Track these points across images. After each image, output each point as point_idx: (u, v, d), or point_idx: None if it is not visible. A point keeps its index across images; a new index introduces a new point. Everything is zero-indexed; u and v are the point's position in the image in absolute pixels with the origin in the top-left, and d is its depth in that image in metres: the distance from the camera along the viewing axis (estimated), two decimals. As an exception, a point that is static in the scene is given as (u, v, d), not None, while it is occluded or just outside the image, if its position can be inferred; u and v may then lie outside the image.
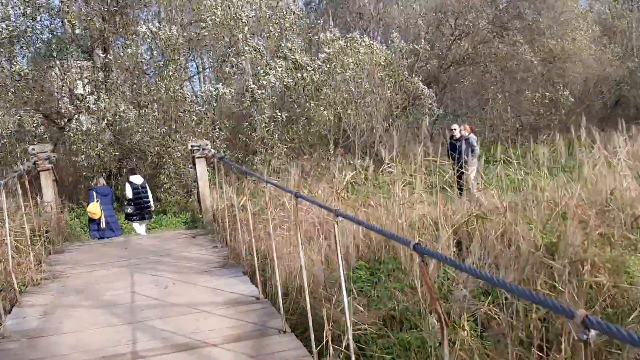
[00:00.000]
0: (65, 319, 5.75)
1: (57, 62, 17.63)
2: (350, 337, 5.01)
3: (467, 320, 5.02)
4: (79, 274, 7.34)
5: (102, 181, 10.82)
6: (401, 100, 18.48)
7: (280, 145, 17.02)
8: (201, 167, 9.53)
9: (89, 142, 16.25)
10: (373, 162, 17.89)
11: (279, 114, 17.48)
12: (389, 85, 18.24)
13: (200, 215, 9.67)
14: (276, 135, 17.01)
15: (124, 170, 17.44)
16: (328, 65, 17.65)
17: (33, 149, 9.26)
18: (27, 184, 7.77)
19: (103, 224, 10.17)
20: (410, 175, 9.63)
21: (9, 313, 6.00)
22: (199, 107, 17.44)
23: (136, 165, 15.55)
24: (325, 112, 17.13)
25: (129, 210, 10.83)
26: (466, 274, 5.21)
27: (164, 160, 16.75)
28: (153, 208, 11.71)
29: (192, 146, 9.50)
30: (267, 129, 17.26)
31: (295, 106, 18.25)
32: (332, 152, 16.93)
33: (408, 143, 18.90)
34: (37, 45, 17.57)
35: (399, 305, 6.18)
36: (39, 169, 9.17)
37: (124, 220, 11.64)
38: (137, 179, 11.06)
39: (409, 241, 2.71)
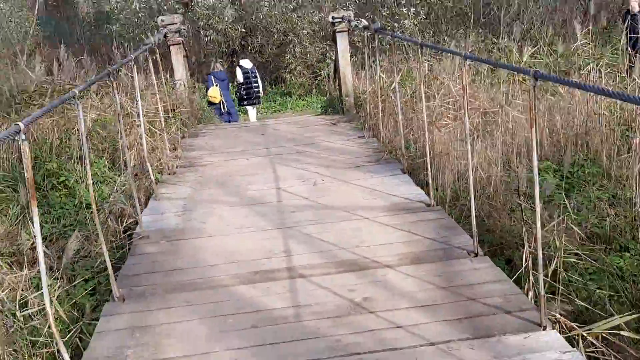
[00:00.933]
0: (208, 217, 4.92)
1: None
2: (560, 263, 3.73)
3: None
4: (217, 163, 6.51)
5: (219, 66, 10.51)
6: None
7: (410, 21, 15.03)
8: (343, 43, 8.14)
9: (215, 18, 15.28)
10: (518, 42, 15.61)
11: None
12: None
13: (342, 100, 8.44)
14: (407, 9, 14.99)
15: (249, 47, 16.47)
16: None
17: (162, 20, 8.29)
18: (158, 58, 6.85)
19: (225, 108, 9.99)
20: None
21: (145, 206, 5.29)
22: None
23: (243, 50, 14.62)
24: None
25: (240, 94, 10.74)
26: None
27: (289, 38, 15.49)
28: (262, 94, 11.61)
29: (333, 18, 8.07)
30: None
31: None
32: (471, 30, 14.69)
33: (563, 23, 16.07)
34: None
35: (605, 221, 4.75)
36: (169, 42, 8.25)
37: (238, 106, 11.38)
38: (246, 63, 10.86)
39: None
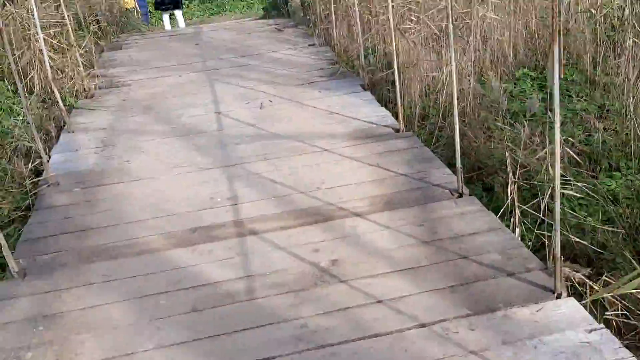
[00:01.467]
0: (133, 154, 4.01)
1: None
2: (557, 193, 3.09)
3: None
4: (144, 81, 5.47)
5: None
6: None
7: None
8: None
9: None
10: None
11: None
12: None
13: (287, 1, 7.30)
14: None
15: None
16: None
17: None
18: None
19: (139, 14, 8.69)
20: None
21: (56, 141, 4.30)
22: None
23: None
24: None
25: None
26: None
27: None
28: None
29: None
30: None
31: None
32: None
33: None
34: None
35: (593, 137, 4.15)
36: None
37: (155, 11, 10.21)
38: None
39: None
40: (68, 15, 5.17)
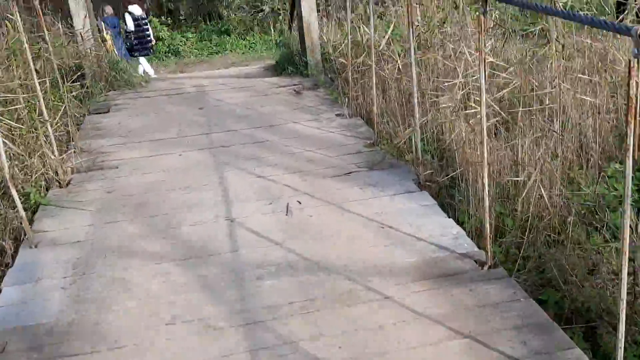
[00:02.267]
0: (115, 295, 2.81)
1: None
2: None
3: None
4: (136, 162, 4.31)
5: (109, 10, 8.76)
6: None
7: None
8: None
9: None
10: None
11: None
12: None
13: (305, 57, 6.17)
14: None
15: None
16: None
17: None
18: (36, 3, 4.33)
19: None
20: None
21: (11, 262, 3.10)
22: None
23: None
24: None
25: (131, 44, 9.05)
26: None
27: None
28: (154, 42, 10.14)
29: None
30: None
31: None
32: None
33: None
34: None
35: None
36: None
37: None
38: (136, 10, 9.10)
39: None
40: (40, 82, 3.99)
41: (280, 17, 13.32)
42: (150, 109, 5.49)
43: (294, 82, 6.06)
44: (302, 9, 5.98)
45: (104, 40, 7.21)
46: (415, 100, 3.51)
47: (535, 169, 3.44)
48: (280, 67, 6.61)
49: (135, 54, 9.13)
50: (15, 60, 4.21)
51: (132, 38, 8.99)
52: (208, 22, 13.97)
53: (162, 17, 13.48)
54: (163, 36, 13.20)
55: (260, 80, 6.32)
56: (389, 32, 4.70)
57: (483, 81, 2.53)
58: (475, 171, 3.45)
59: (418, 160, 3.66)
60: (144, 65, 9.37)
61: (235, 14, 13.25)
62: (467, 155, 3.46)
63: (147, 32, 9.38)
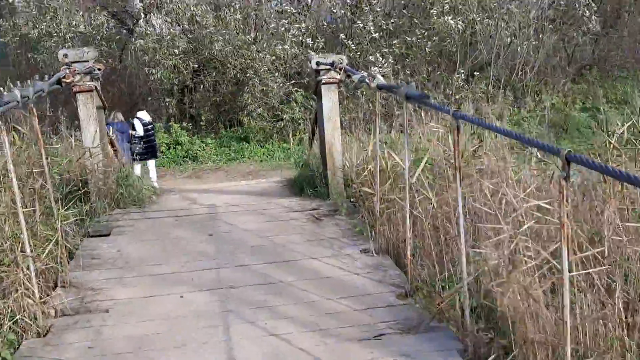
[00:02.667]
0: None
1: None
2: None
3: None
4: (128, 305, 3.68)
5: (120, 116, 8.91)
6: (551, 11, 13.34)
7: (386, 61, 12.55)
8: (331, 100, 5.45)
9: (163, 51, 12.39)
10: (513, 93, 13.36)
11: (386, 21, 12.97)
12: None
13: (326, 178, 5.69)
14: (382, 49, 12.55)
15: (202, 86, 13.62)
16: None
17: (65, 56, 5.38)
18: (35, 122, 3.92)
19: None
20: None
21: None
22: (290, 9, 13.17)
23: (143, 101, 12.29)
24: (450, 20, 12.35)
25: (139, 148, 8.99)
26: None
27: (248, 75, 12.78)
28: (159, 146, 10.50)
29: (318, 64, 5.38)
30: (370, 38, 12.85)
31: (406, 13, 13.61)
32: (461, 75, 12.32)
33: (555, 71, 14.01)
34: None
35: None
36: (74, 89, 5.37)
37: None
38: (145, 115, 9.32)
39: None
40: (30, 211, 3.49)
41: (300, 127, 13.20)
42: (154, 234, 4.94)
43: (313, 205, 5.54)
44: (325, 130, 5.59)
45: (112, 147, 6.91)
46: (464, 258, 2.90)
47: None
48: (298, 185, 6.13)
49: (144, 158, 9.12)
50: (3, 183, 3.74)
51: (141, 143, 9.02)
52: (228, 129, 13.88)
53: (184, 123, 13.41)
54: (182, 141, 13.08)
55: (276, 202, 5.80)
56: (423, 163, 4.19)
57: (566, 263, 1.93)
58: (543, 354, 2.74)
59: (465, 329, 2.99)
60: (151, 169, 9.30)
61: (255, 122, 13.13)
62: (527, 328, 2.78)
63: (154, 138, 9.58)
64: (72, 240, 4.61)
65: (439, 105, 3.11)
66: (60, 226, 3.95)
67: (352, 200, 5.49)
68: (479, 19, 12.44)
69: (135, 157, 8.84)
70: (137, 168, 9.01)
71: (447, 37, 12.68)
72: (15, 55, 15.32)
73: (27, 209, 3.64)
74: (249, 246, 4.59)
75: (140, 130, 8.92)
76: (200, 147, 13.07)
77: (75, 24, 12.42)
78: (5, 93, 3.59)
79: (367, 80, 4.06)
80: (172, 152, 13.05)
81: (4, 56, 16.86)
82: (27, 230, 3.42)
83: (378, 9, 13.07)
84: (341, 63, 5.30)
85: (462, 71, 12.47)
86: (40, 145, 3.89)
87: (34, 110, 3.86)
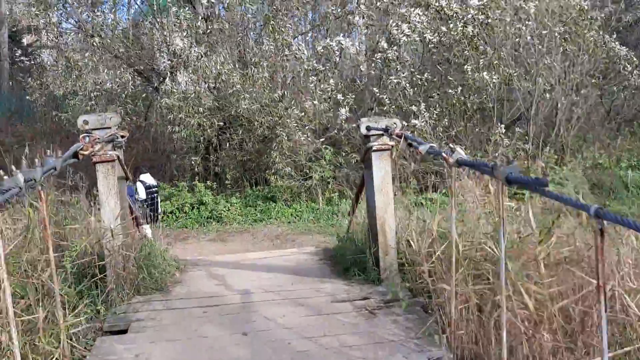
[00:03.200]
0: None
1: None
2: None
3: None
4: None
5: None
6: (590, 65, 12.68)
7: (425, 116, 11.89)
8: (383, 169, 4.68)
9: (188, 109, 11.94)
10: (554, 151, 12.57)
11: (420, 76, 12.40)
12: (573, 44, 12.48)
13: (377, 260, 4.89)
14: (420, 104, 11.91)
15: (228, 143, 13.09)
16: (485, 14, 12.19)
17: (85, 122, 4.76)
18: (44, 206, 3.24)
19: None
20: None
21: None
22: (319, 66, 12.66)
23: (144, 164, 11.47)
24: (486, 76, 11.73)
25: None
26: None
27: (276, 133, 12.23)
28: (161, 212, 9.93)
29: (368, 129, 4.65)
30: (403, 92, 12.26)
31: (440, 69, 13.06)
32: (498, 130, 11.59)
33: (594, 127, 13.21)
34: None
35: None
36: (94, 159, 4.73)
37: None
38: (148, 178, 8.87)
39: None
40: (29, 320, 2.74)
41: (330, 186, 12.50)
42: (179, 331, 4.14)
43: (363, 293, 4.71)
44: (376, 202, 4.83)
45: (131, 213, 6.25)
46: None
47: None
48: (339, 262, 5.33)
49: (142, 222, 8.47)
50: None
51: (144, 207, 8.56)
52: (254, 188, 13.23)
53: (208, 181, 12.81)
54: (206, 201, 12.43)
55: (318, 286, 4.97)
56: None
57: None
58: None
59: None
60: (148, 232, 8.69)
61: (282, 181, 12.46)
62: None
63: (157, 201, 9.06)
64: (83, 340, 3.86)
65: (568, 197, 2.31)
66: (65, 338, 3.18)
67: (408, 286, 4.66)
68: (515, 74, 11.81)
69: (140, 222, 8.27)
70: (148, 229, 8.53)
71: (483, 92, 12.05)
72: (43, 112, 15.10)
73: (23, 318, 2.89)
74: (291, 351, 3.75)
75: (142, 194, 8.50)
76: (225, 207, 12.39)
77: (101, 82, 12.07)
78: (6, 178, 2.92)
79: (443, 153, 3.32)
80: (195, 212, 12.39)
81: (31, 114, 16.71)
82: (20, 345, 2.66)
83: (411, 68, 12.55)
84: (395, 127, 4.58)
85: (501, 126, 11.75)
86: (46, 237, 3.19)
87: (42, 194, 3.18)
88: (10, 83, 21.28)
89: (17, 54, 24.14)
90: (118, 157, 4.88)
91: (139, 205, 8.34)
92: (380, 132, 4.60)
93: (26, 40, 24.36)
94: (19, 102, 17.93)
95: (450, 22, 12.22)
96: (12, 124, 17.69)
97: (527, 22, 11.78)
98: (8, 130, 16.92)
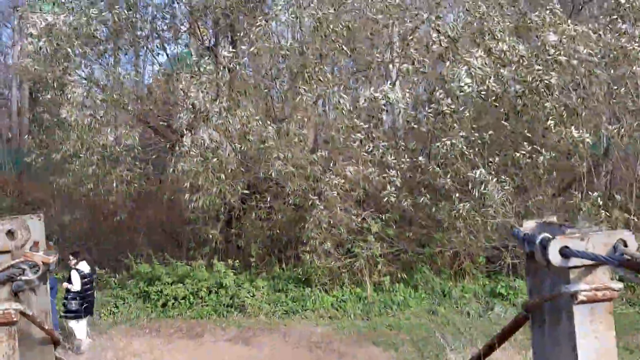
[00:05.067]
0: None
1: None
2: None
3: None
4: None
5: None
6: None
7: (494, 182, 9.13)
8: (597, 338, 2.07)
9: (208, 174, 9.47)
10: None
11: (480, 134, 9.68)
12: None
13: None
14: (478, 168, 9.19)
15: (253, 212, 10.55)
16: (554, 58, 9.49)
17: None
18: None
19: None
20: None
21: None
22: (361, 123, 10.00)
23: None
24: (575, 132, 8.96)
25: (73, 306, 7.76)
26: None
27: (311, 203, 9.61)
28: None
29: (565, 253, 2.01)
30: (461, 152, 9.50)
31: (505, 124, 10.27)
32: (596, 199, 8.80)
33: None
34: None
35: None
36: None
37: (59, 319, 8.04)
38: (85, 267, 8.05)
39: None
40: None
41: (379, 267, 9.73)
42: None
43: None
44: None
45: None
46: None
47: None
48: None
49: (70, 316, 7.84)
50: None
51: (77, 299, 7.84)
52: (284, 266, 10.54)
53: (229, 260, 10.14)
54: (227, 283, 9.80)
55: None
56: None
57: None
58: None
59: None
60: (81, 328, 7.91)
61: (319, 260, 9.73)
62: None
63: (93, 292, 8.29)
64: None
65: None
66: None
67: None
68: (615, 130, 9.08)
69: (67, 314, 7.72)
70: (83, 326, 7.85)
71: (569, 153, 9.34)
72: (42, 176, 12.92)
73: None
74: None
75: (77, 285, 7.75)
76: (249, 291, 9.71)
77: (103, 144, 9.74)
78: None
79: None
80: (213, 297, 9.75)
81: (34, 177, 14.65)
82: None
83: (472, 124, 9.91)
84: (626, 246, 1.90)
85: (596, 194, 8.96)
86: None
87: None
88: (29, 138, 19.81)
89: (38, 110, 22.66)
90: (23, 312, 2.26)
91: (72, 297, 7.65)
92: (593, 261, 1.91)
93: (50, 95, 22.95)
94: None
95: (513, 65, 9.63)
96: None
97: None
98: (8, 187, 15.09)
